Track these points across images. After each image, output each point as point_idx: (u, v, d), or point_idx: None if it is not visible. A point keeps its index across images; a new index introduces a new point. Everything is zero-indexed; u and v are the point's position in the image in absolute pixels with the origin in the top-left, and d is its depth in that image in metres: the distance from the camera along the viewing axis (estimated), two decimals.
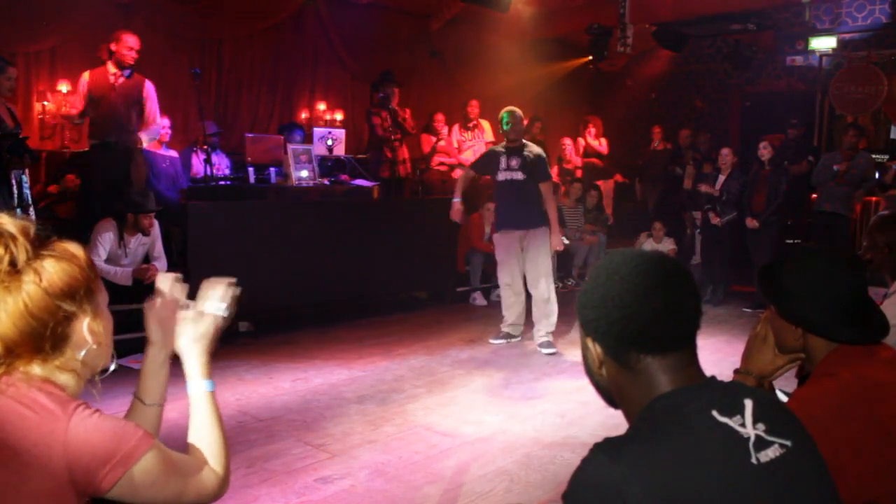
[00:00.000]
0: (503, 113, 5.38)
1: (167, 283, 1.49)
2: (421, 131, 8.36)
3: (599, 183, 9.11)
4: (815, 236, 7.40)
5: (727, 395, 1.12)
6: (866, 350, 1.59)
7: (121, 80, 5.49)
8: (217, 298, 1.48)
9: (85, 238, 4.77)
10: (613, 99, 11.59)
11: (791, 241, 7.90)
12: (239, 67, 8.29)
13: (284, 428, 3.70)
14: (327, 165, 6.83)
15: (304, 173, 6.29)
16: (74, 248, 1.26)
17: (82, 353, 1.25)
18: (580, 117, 10.32)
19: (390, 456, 3.37)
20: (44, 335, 1.19)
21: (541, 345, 5.31)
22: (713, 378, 1.16)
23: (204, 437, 1.38)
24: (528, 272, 5.39)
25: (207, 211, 5.41)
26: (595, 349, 1.20)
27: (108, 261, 4.85)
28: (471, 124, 8.52)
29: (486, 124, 8.59)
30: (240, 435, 3.57)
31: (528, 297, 5.49)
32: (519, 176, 5.32)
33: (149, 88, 5.66)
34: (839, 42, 9.62)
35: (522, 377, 4.71)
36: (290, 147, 6.34)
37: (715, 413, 1.08)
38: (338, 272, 5.98)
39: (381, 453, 3.40)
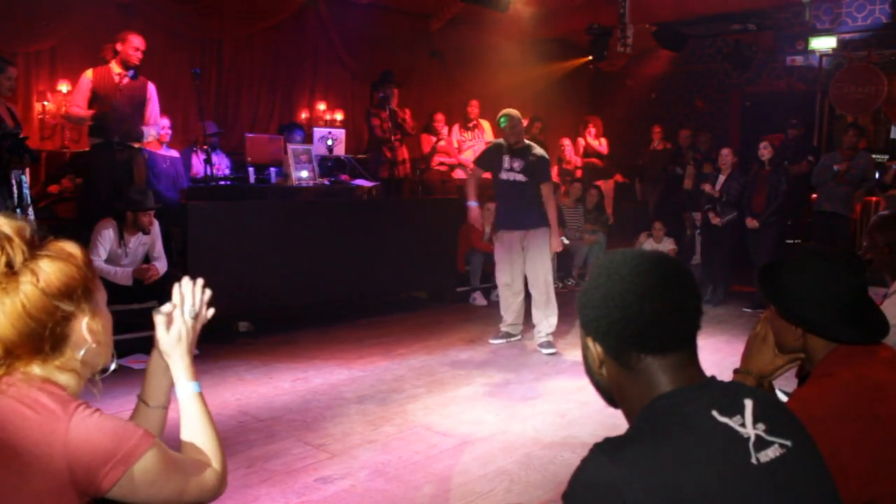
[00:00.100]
0: (500, 116, 5.37)
1: (186, 291, 1.49)
2: (421, 131, 8.36)
3: (599, 183, 9.12)
4: (815, 236, 7.40)
5: (727, 395, 1.12)
6: (866, 350, 1.59)
7: (125, 80, 5.49)
8: (188, 300, 1.48)
9: (85, 238, 4.77)
10: (613, 99, 11.59)
11: (791, 241, 7.90)
12: (239, 67, 8.30)
13: (284, 428, 3.70)
14: (327, 165, 6.83)
15: (304, 173, 6.29)
16: (71, 247, 1.26)
17: (82, 352, 1.25)
18: (580, 117, 10.32)
19: (390, 456, 3.37)
20: (43, 336, 1.19)
21: (541, 345, 5.31)
22: (713, 378, 1.17)
23: (198, 437, 1.39)
24: (529, 272, 5.38)
25: (207, 211, 5.41)
26: (595, 349, 1.20)
27: (108, 261, 4.85)
28: (471, 124, 8.52)
29: (486, 124, 8.59)
30: (240, 435, 3.57)
31: (528, 296, 5.49)
32: (520, 178, 5.31)
33: (151, 90, 5.66)
34: (839, 42, 9.62)
35: (522, 377, 4.71)
36: (290, 147, 6.34)
37: (715, 413, 1.08)
38: (338, 272, 5.98)
39: (381, 453, 3.40)
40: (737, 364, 1.80)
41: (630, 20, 8.72)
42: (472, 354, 5.22)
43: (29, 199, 4.81)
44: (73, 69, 6.47)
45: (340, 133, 7.03)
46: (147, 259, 5.07)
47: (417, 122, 8.23)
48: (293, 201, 6.15)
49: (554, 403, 4.18)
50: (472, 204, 5.53)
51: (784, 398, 1.69)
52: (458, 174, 8.41)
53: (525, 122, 5.86)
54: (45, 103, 6.87)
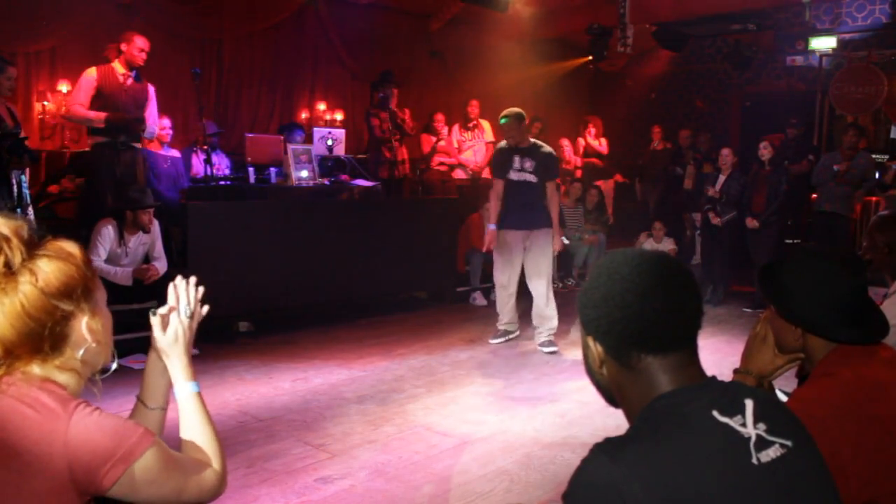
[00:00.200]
0: (502, 116, 5.33)
1: (180, 291, 1.49)
2: (421, 131, 8.36)
3: (599, 183, 9.12)
4: (815, 236, 7.40)
5: (727, 394, 1.12)
6: (866, 350, 1.59)
7: (129, 80, 5.49)
8: (182, 300, 1.48)
9: (85, 238, 4.77)
10: (613, 99, 11.59)
11: (791, 241, 7.90)
12: (239, 67, 8.29)
13: (284, 428, 3.70)
14: (327, 165, 6.83)
15: (304, 173, 6.29)
16: (70, 246, 1.26)
17: (81, 351, 1.25)
18: (580, 117, 10.32)
19: (390, 456, 3.37)
20: (42, 335, 1.19)
21: (542, 344, 5.31)
22: (714, 378, 1.17)
23: (197, 437, 1.39)
24: (529, 273, 5.36)
25: (207, 211, 5.41)
26: (596, 349, 1.20)
27: (107, 261, 4.84)
28: (471, 124, 8.52)
29: (486, 124, 8.59)
30: (240, 435, 3.57)
31: (527, 296, 5.48)
32: (532, 178, 5.27)
33: (152, 91, 5.67)
34: (839, 42, 9.62)
35: (522, 377, 4.71)
36: (290, 147, 6.34)
37: (715, 413, 1.08)
38: (338, 272, 5.98)
39: (381, 453, 3.40)
40: (737, 364, 1.80)
41: (630, 20, 8.71)
42: (472, 354, 5.22)
43: (29, 198, 4.81)
44: (73, 69, 6.47)
45: (340, 133, 7.03)
46: (147, 259, 5.07)
47: (417, 123, 8.23)
48: (293, 201, 6.15)
49: (554, 403, 4.18)
50: (492, 227, 5.40)
51: (784, 398, 1.69)
52: (458, 174, 8.42)
53: (526, 122, 5.84)
54: (45, 103, 6.87)
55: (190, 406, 1.41)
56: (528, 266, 5.36)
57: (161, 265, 5.05)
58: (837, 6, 9.59)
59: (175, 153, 6.49)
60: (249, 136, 6.85)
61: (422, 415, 3.94)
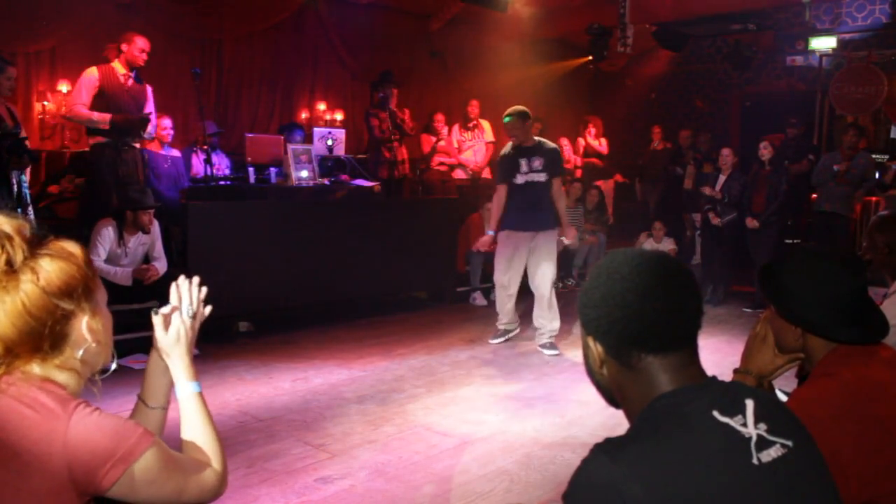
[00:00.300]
0: (505, 115, 5.29)
1: (182, 291, 1.49)
2: (421, 131, 8.36)
3: (599, 183, 9.12)
4: (815, 236, 7.40)
5: (728, 394, 1.12)
6: (866, 350, 1.59)
7: (130, 81, 5.49)
8: (185, 299, 1.48)
9: (86, 238, 4.77)
10: (613, 99, 11.59)
11: (791, 241, 7.90)
12: (239, 67, 8.29)
13: (284, 428, 3.70)
14: (327, 165, 6.82)
15: (304, 173, 6.29)
16: (72, 246, 1.26)
17: (81, 351, 1.25)
18: (580, 117, 10.32)
19: (390, 456, 3.37)
20: (42, 334, 1.19)
21: (543, 345, 5.30)
22: (714, 378, 1.16)
23: (198, 437, 1.39)
24: (533, 274, 5.33)
25: (207, 211, 5.41)
26: (596, 348, 1.20)
27: (107, 261, 4.84)
28: (471, 124, 8.52)
29: (486, 124, 8.60)
30: (240, 435, 3.57)
31: (527, 295, 5.47)
32: (542, 177, 5.24)
33: (150, 92, 5.67)
34: (839, 42, 9.62)
35: (522, 377, 4.71)
36: (290, 147, 6.34)
37: (716, 413, 1.08)
38: (338, 272, 5.98)
39: (381, 453, 3.40)
40: (737, 364, 1.80)
41: (630, 20, 8.71)
42: (472, 354, 5.22)
43: (29, 198, 4.81)
44: (73, 69, 6.47)
45: (340, 133, 7.03)
46: (147, 259, 5.07)
47: (417, 123, 8.23)
48: (293, 201, 6.16)
49: (554, 403, 4.18)
50: (490, 233, 5.45)
51: (784, 398, 1.69)
52: (458, 174, 8.42)
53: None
54: (45, 103, 6.87)
55: (191, 406, 1.41)
56: (532, 267, 5.33)
57: (161, 265, 5.05)
58: (837, 6, 9.59)
59: (176, 153, 6.49)
60: (249, 136, 6.84)
61: (422, 415, 3.94)
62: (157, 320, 1.44)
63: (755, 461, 1.06)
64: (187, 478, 1.28)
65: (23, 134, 4.80)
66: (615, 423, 3.50)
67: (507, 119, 5.27)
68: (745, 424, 1.08)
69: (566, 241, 5.48)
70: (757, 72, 10.62)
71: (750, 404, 1.11)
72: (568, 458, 3.35)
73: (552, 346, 5.28)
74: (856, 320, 1.57)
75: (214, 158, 6.39)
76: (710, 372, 1.18)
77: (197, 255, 5.15)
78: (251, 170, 6.46)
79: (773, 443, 1.08)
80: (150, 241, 5.06)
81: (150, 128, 5.72)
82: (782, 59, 10.41)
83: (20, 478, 1.12)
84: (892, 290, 2.73)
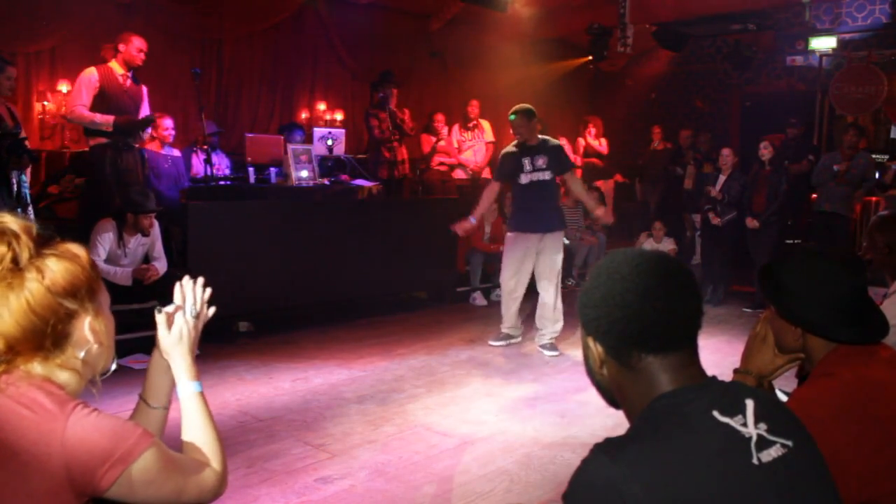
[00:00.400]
0: (511, 113, 5.27)
1: (187, 290, 1.49)
2: (421, 131, 8.36)
3: (599, 183, 9.12)
4: (815, 236, 7.40)
5: (728, 394, 1.12)
6: (866, 350, 1.59)
7: (128, 81, 5.49)
8: (188, 300, 1.48)
9: (86, 238, 4.77)
10: (613, 99, 11.58)
11: (791, 241, 7.91)
12: (239, 67, 8.29)
13: (284, 428, 3.70)
14: (327, 165, 6.83)
15: (304, 173, 6.29)
16: (77, 248, 1.27)
17: (83, 352, 1.25)
18: (580, 117, 10.32)
19: (390, 456, 3.37)
20: (45, 332, 1.20)
21: (543, 346, 5.30)
22: (714, 378, 1.16)
23: (198, 437, 1.39)
24: (539, 275, 5.31)
25: (207, 211, 5.41)
26: (596, 349, 1.20)
27: (107, 261, 4.84)
28: (471, 124, 8.52)
29: (486, 124, 8.60)
30: (240, 435, 3.57)
31: (530, 296, 5.47)
32: (546, 176, 5.22)
33: (145, 92, 5.68)
34: (839, 42, 9.62)
35: (522, 377, 4.71)
36: (290, 147, 6.34)
37: (716, 413, 1.08)
38: (338, 272, 5.98)
39: (381, 453, 3.40)
40: (737, 364, 1.80)
41: (630, 20, 8.71)
42: (472, 354, 5.22)
43: (29, 198, 4.81)
44: (73, 69, 6.46)
45: (340, 133, 7.03)
46: (147, 259, 5.07)
47: (416, 123, 8.23)
48: (293, 201, 6.15)
49: (554, 403, 4.18)
50: (472, 220, 5.38)
51: (784, 398, 1.69)
52: (458, 174, 8.42)
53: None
54: (45, 103, 6.86)
55: (192, 406, 1.41)
56: (538, 268, 5.31)
57: (161, 265, 5.05)
58: (837, 6, 9.59)
59: (176, 153, 6.49)
60: (249, 136, 6.84)
61: (422, 415, 3.94)
62: (160, 319, 1.44)
63: (755, 461, 1.06)
64: (186, 478, 1.28)
65: (23, 134, 4.80)
66: (615, 423, 3.50)
67: (512, 117, 5.26)
68: (745, 424, 1.08)
69: (603, 220, 5.60)
70: (757, 72, 10.62)
71: (750, 404, 1.11)
72: (568, 458, 3.35)
73: (553, 346, 5.28)
74: (856, 320, 1.57)
75: (214, 158, 6.39)
76: (710, 372, 1.18)
77: (197, 255, 5.15)
78: (251, 170, 6.46)
79: (774, 443, 1.08)
80: (150, 241, 5.06)
81: (149, 129, 5.73)
82: (782, 59, 10.41)
83: (18, 478, 1.12)
84: (892, 290, 2.73)
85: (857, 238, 7.45)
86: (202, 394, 1.44)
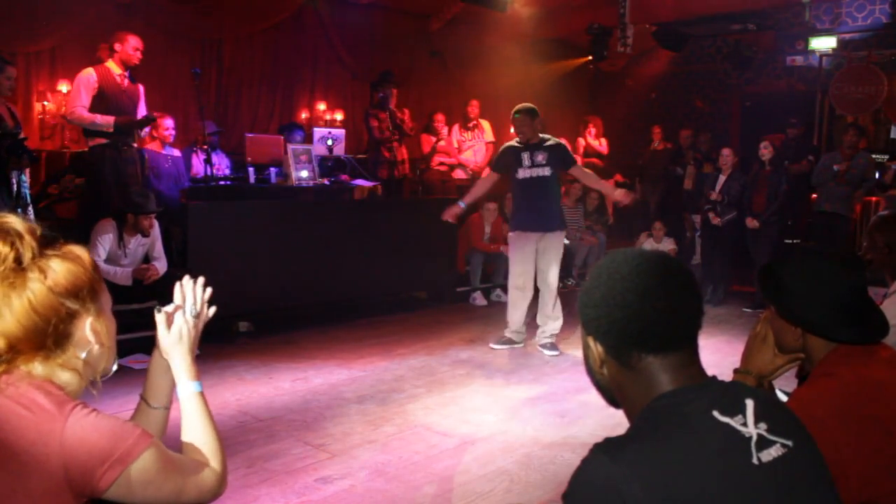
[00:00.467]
0: (514, 111, 5.28)
1: (187, 290, 1.49)
2: (421, 131, 8.36)
3: None
4: (815, 236, 7.40)
5: (728, 394, 1.12)
6: (866, 350, 1.59)
7: (126, 81, 5.49)
8: (188, 299, 1.48)
9: (86, 238, 4.77)
10: (613, 99, 11.59)
11: (791, 241, 7.91)
12: (239, 67, 8.29)
13: (284, 428, 3.70)
14: (327, 165, 6.83)
15: (304, 173, 6.29)
16: (79, 250, 1.27)
17: (84, 353, 1.25)
18: (580, 117, 10.32)
19: (390, 456, 3.37)
20: (46, 332, 1.20)
21: (543, 345, 5.30)
22: (714, 378, 1.16)
23: (198, 437, 1.39)
24: (540, 274, 5.32)
25: (207, 211, 5.41)
26: (596, 348, 1.20)
27: (107, 261, 4.85)
28: (471, 124, 8.52)
29: (486, 124, 8.60)
30: (240, 435, 3.57)
31: (532, 300, 5.46)
32: (546, 172, 5.21)
33: (142, 91, 5.68)
34: (839, 42, 9.61)
35: (522, 377, 4.71)
36: (290, 147, 6.34)
37: (716, 413, 1.08)
38: (338, 272, 5.98)
39: (381, 453, 3.40)
40: (737, 364, 1.80)
41: (630, 20, 8.71)
42: (472, 354, 5.22)
43: (29, 198, 4.81)
44: (72, 69, 6.45)
45: (340, 133, 7.03)
46: (147, 259, 5.07)
47: (416, 123, 8.23)
48: (293, 201, 6.15)
49: (554, 403, 4.18)
50: (462, 204, 5.44)
51: (784, 398, 1.69)
52: (458, 174, 8.42)
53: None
54: (45, 103, 6.86)
55: (192, 406, 1.41)
56: (538, 267, 5.31)
57: (161, 265, 5.05)
58: (837, 6, 9.59)
59: (176, 153, 6.50)
60: (249, 136, 6.85)
61: (422, 415, 3.94)
62: (160, 318, 1.44)
63: (755, 461, 1.06)
64: (186, 478, 1.28)
65: (23, 134, 4.80)
66: (615, 423, 3.50)
67: (515, 115, 5.26)
68: (745, 424, 1.08)
69: (623, 202, 5.52)
70: (757, 72, 10.62)
71: (750, 404, 1.11)
72: (568, 458, 3.35)
73: (553, 346, 5.28)
74: (856, 320, 1.56)
75: (214, 158, 6.39)
76: (710, 372, 1.18)
77: (197, 254, 5.15)
78: (251, 170, 6.46)
79: (774, 442, 1.08)
80: (150, 241, 5.06)
81: (146, 129, 5.73)
82: (782, 59, 10.41)
83: (17, 479, 1.11)
84: (892, 290, 2.73)
85: (857, 238, 7.45)
86: (202, 394, 1.43)
